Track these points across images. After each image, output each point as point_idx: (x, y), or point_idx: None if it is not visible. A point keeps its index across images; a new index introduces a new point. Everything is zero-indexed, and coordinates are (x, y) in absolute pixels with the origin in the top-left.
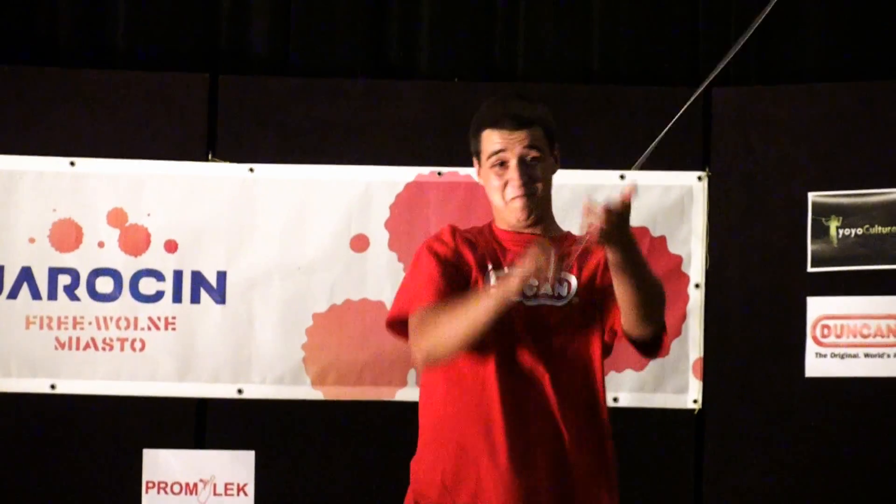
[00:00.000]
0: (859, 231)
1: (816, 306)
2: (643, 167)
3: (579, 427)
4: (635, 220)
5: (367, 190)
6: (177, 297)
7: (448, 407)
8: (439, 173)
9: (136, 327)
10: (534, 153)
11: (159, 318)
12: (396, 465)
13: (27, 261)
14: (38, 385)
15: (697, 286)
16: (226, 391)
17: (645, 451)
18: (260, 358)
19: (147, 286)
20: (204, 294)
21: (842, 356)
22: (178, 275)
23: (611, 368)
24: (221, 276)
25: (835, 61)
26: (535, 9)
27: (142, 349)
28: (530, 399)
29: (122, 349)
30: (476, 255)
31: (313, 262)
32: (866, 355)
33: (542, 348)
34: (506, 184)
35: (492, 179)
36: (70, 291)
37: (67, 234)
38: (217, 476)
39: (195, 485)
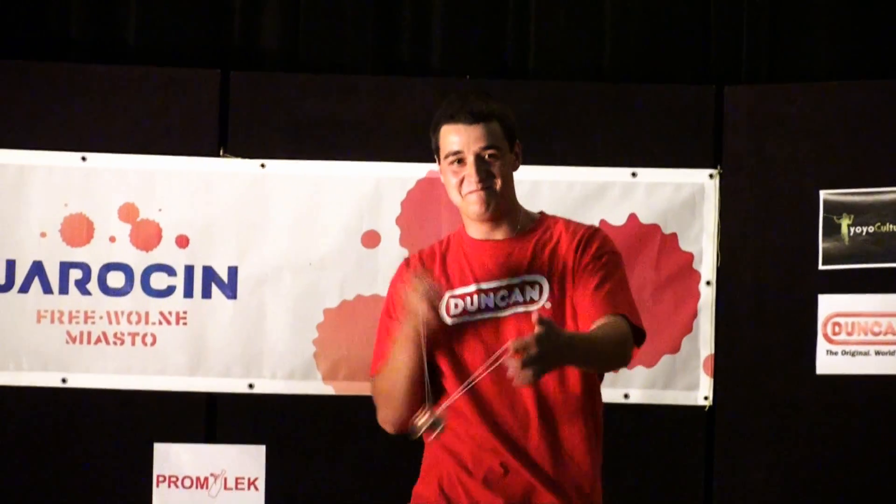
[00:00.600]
0: (871, 229)
1: (827, 304)
2: (654, 164)
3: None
4: (646, 217)
5: (379, 186)
6: (188, 292)
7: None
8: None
9: (147, 322)
10: (491, 150)
11: (170, 313)
12: (406, 460)
13: (38, 255)
14: (49, 379)
15: (708, 283)
16: (237, 386)
17: (656, 448)
18: (271, 353)
19: (158, 281)
20: (215, 289)
21: (853, 353)
22: (189, 270)
23: None
24: (233, 271)
25: (846, 59)
26: (547, 6)
27: (153, 344)
28: (516, 407)
29: (133, 343)
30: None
31: (324, 258)
32: (877, 353)
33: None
34: (462, 180)
35: (449, 177)
36: (81, 286)
37: (79, 229)
38: (228, 470)
39: (206, 479)
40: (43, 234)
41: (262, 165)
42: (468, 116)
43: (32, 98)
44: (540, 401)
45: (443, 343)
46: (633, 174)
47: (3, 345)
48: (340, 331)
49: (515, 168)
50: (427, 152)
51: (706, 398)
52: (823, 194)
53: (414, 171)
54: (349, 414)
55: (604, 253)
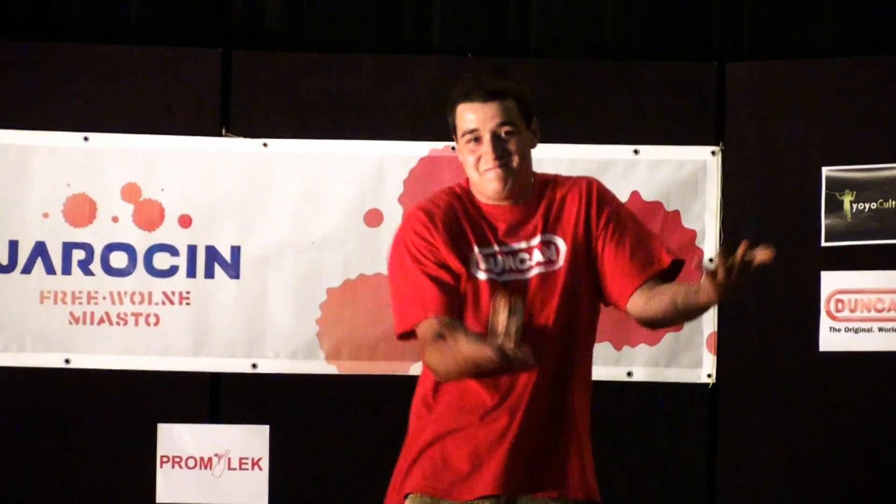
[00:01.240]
0: (873, 205)
1: (830, 281)
2: (656, 141)
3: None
4: (649, 194)
5: (381, 165)
6: (191, 272)
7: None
8: (453, 148)
9: (150, 302)
10: (507, 128)
11: (173, 293)
12: None
13: (41, 236)
14: (52, 360)
15: (711, 261)
16: (240, 366)
17: (659, 426)
18: (274, 332)
19: (161, 261)
20: (218, 269)
21: (856, 330)
22: (192, 249)
23: (624, 343)
24: (235, 250)
25: (849, 36)
26: None
27: (156, 324)
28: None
29: (136, 324)
30: (461, 237)
31: (327, 237)
32: (880, 329)
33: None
34: (479, 158)
35: (467, 155)
36: (84, 266)
37: (81, 209)
38: (232, 450)
39: (210, 459)
40: (45, 215)
41: (265, 145)
42: (483, 94)
43: (34, 78)
44: (557, 360)
45: (471, 300)
46: (636, 151)
47: (6, 326)
48: (344, 310)
49: (533, 146)
50: (429, 130)
51: (709, 376)
52: (826, 171)
53: (416, 150)
54: (353, 393)
55: (615, 208)
